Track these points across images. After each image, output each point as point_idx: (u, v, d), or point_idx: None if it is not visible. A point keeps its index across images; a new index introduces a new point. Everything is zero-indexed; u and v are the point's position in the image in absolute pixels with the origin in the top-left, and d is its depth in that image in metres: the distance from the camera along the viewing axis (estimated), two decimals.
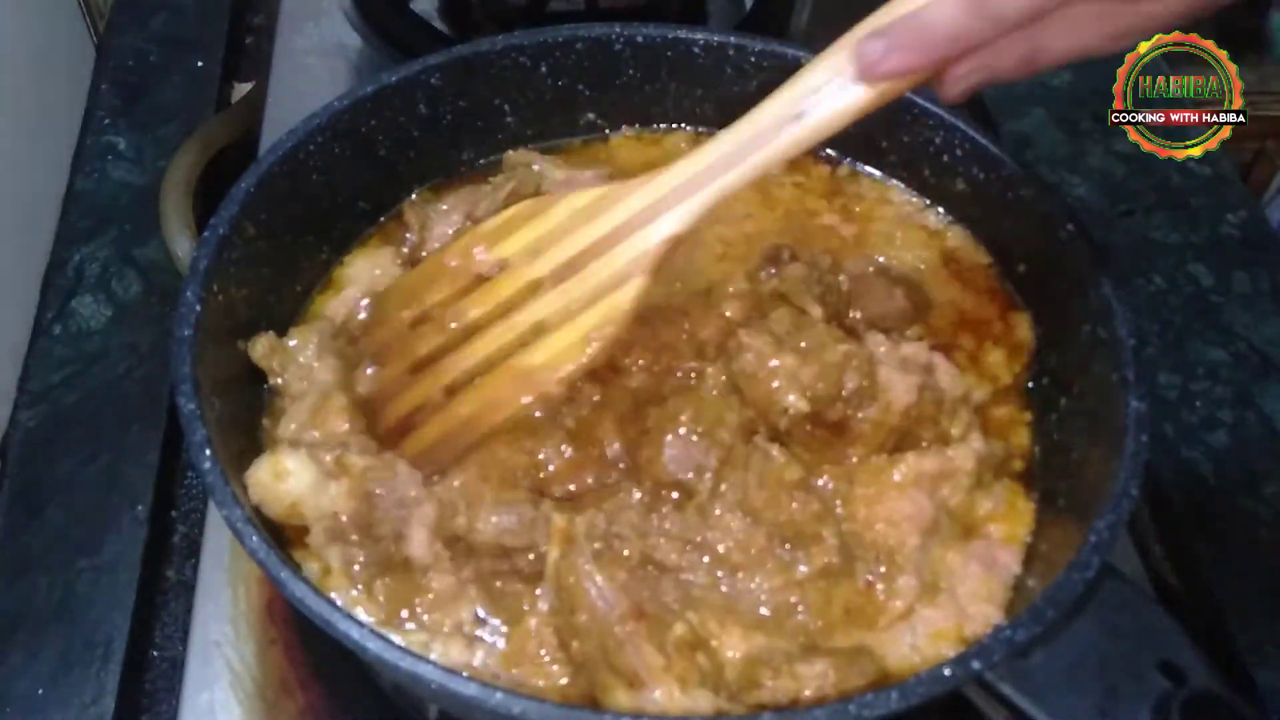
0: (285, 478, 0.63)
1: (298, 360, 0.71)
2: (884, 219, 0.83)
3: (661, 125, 0.88)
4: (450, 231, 0.77)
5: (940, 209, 0.83)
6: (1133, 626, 0.57)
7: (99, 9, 1.21)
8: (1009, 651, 0.55)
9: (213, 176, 1.00)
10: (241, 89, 1.14)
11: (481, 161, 0.86)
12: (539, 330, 0.66)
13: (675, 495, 0.66)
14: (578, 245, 0.66)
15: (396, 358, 0.70)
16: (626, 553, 0.63)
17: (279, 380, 0.71)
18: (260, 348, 0.71)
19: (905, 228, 0.82)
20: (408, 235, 0.79)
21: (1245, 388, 0.91)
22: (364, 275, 0.79)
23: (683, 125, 0.88)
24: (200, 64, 1.12)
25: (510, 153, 0.84)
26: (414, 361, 0.69)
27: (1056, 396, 0.72)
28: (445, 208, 0.79)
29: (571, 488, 0.66)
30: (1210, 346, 0.94)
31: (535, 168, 0.82)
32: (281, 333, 0.73)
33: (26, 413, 0.86)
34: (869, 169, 0.85)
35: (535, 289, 0.67)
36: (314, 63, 1.08)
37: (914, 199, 0.83)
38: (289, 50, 1.09)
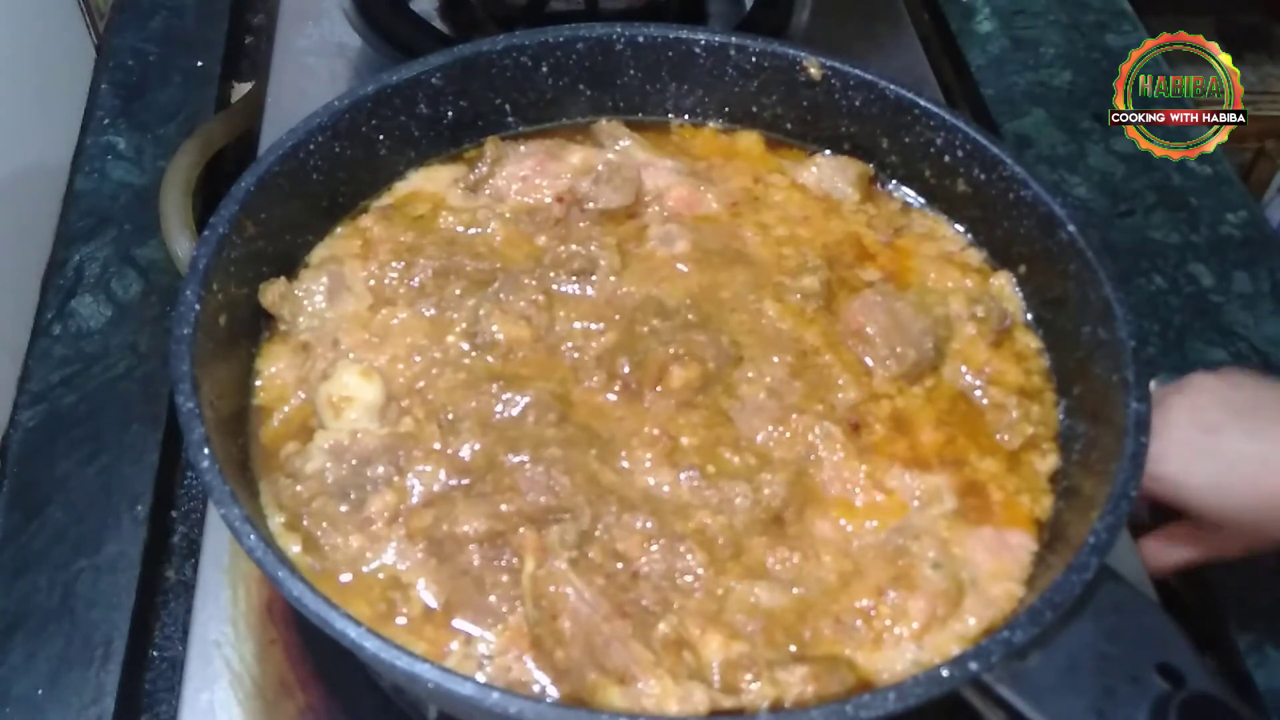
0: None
1: (308, 305, 0.72)
2: (926, 256, 0.79)
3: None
4: (521, 174, 0.80)
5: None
6: (1131, 628, 0.57)
7: (99, 9, 1.21)
8: (1007, 653, 0.55)
9: (213, 176, 1.00)
10: (241, 89, 1.14)
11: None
12: None
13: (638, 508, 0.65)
14: None
15: None
16: (599, 561, 0.62)
17: (287, 326, 0.72)
18: (271, 294, 0.71)
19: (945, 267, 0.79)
20: (479, 165, 0.81)
21: None
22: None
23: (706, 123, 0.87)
24: (200, 64, 1.12)
25: (603, 122, 0.84)
26: None
27: (1056, 398, 0.72)
28: (523, 150, 0.82)
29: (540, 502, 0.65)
30: (1210, 346, 0.94)
31: (622, 143, 0.83)
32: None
33: (26, 413, 0.86)
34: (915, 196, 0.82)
35: None
36: (314, 63, 1.08)
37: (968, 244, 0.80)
38: (289, 50, 1.09)
